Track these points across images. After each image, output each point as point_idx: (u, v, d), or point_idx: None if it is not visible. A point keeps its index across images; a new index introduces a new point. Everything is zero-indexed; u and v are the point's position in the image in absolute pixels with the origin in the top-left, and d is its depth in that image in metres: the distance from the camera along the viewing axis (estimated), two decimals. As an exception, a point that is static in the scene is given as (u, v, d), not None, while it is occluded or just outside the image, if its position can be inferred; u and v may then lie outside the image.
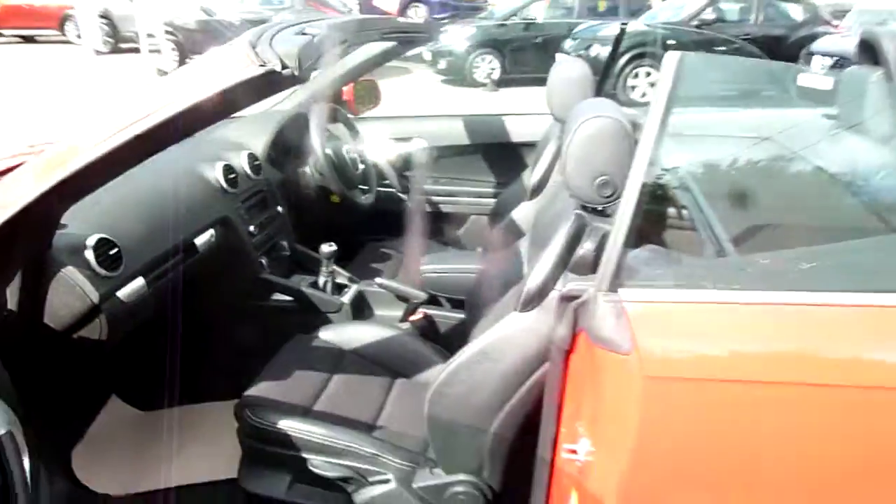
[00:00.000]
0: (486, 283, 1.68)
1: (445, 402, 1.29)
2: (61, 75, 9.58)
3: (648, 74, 8.23)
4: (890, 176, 1.51)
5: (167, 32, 9.87)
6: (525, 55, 9.55)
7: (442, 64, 9.76)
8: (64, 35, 12.75)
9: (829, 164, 1.64)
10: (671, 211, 1.80)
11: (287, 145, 2.42)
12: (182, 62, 9.90)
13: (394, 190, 2.73)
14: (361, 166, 2.51)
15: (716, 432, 0.96)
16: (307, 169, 2.39)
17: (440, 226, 2.76)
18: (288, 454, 1.47)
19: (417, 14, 11.28)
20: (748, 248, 1.42)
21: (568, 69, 2.04)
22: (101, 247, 1.48)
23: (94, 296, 1.42)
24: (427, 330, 2.05)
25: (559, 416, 1.11)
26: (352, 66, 2.51)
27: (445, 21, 10.72)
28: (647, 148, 0.92)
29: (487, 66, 9.69)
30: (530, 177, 2.15)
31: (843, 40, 7.10)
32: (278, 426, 1.47)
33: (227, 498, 1.68)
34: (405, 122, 2.86)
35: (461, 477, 1.38)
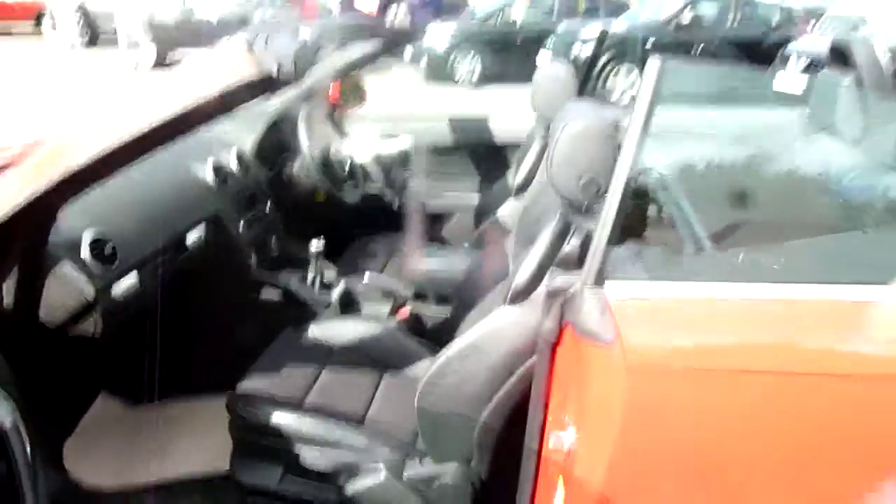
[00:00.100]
0: (473, 279, 1.71)
1: (437, 392, 1.32)
2: (37, 70, 9.42)
3: (623, 75, 8.35)
4: (860, 176, 1.58)
5: (145, 29, 9.79)
6: (505, 54, 9.63)
7: (423, 62, 9.82)
8: (40, 30, 12.56)
9: (802, 164, 1.70)
10: (653, 209, 1.84)
11: (275, 143, 2.43)
12: (160, 59, 9.81)
13: (380, 187, 2.75)
14: (348, 164, 2.53)
15: (698, 421, 0.99)
16: (295, 166, 2.41)
17: (426, 223, 2.79)
18: (279, 446, 1.49)
19: (398, 13, 11.24)
20: (726, 244, 1.47)
21: (552, 71, 2.09)
22: (97, 243, 1.50)
23: (90, 291, 1.44)
24: (414, 325, 2.07)
25: (546, 406, 1.14)
26: (339, 66, 2.53)
27: (428, 22, 10.74)
28: (630, 148, 0.95)
29: (468, 64, 9.77)
30: (515, 175, 2.20)
31: (818, 42, 7.23)
32: (270, 419, 1.49)
33: (217, 491, 1.70)
34: (392, 121, 2.88)
35: (451, 466, 1.41)
